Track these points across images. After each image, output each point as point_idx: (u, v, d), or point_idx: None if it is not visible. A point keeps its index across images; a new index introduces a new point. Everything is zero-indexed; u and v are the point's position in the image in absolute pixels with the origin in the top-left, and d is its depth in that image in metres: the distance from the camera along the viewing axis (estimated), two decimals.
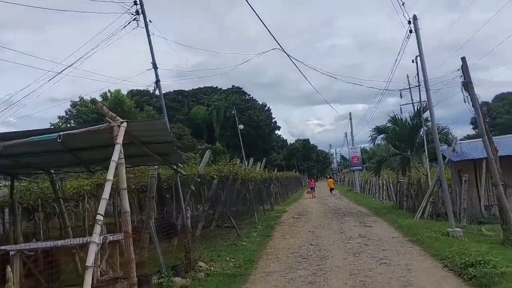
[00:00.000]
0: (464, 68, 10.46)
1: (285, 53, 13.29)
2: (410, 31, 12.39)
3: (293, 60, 14.60)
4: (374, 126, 19.95)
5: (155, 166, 11.20)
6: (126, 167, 6.31)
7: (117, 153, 5.62)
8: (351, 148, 41.81)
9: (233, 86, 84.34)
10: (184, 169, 15.11)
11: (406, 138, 18.28)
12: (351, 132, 42.89)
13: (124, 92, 51.53)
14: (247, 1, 10.23)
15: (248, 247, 12.62)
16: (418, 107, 18.27)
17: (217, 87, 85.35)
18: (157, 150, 9.14)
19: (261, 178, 22.62)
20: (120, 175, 5.87)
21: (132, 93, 74.15)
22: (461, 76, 10.62)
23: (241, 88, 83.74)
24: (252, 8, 10.50)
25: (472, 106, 10.45)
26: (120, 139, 5.76)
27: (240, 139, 21.82)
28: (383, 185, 27.94)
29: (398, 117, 18.79)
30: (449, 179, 17.63)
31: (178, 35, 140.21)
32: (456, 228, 11.96)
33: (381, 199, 28.13)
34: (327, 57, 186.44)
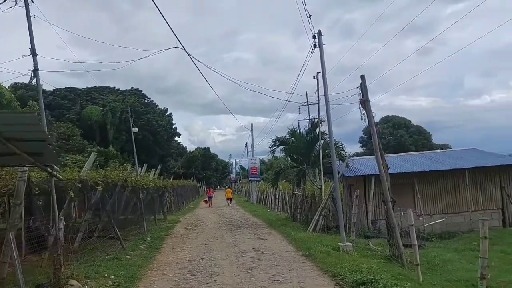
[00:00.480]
0: (363, 86, 10.65)
1: (186, 52, 12.42)
2: (314, 46, 12.43)
3: (195, 61, 13.77)
4: (275, 137, 19.98)
5: (25, 168, 9.47)
6: None
7: None
8: (251, 159, 42.06)
9: (132, 88, 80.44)
10: (63, 172, 13.29)
11: (303, 151, 18.52)
12: (252, 143, 43.33)
13: (6, 84, 45.80)
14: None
15: (132, 261, 11.37)
16: (313, 120, 18.68)
17: (114, 87, 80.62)
18: (26, 148, 7.66)
19: (155, 186, 21.23)
20: None
21: (16, 87, 66.63)
22: (359, 93, 10.79)
23: (141, 90, 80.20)
24: (155, 5, 9.45)
25: (368, 123, 10.65)
26: None
27: (133, 142, 20.15)
28: (278, 197, 28.27)
29: (296, 130, 19.04)
30: (341, 193, 18.26)
31: (74, 31, 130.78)
32: (347, 243, 12.11)
33: (277, 210, 28.43)
34: (232, 69, 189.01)
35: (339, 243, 12.17)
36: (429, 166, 18.08)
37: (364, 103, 10.62)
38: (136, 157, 18.97)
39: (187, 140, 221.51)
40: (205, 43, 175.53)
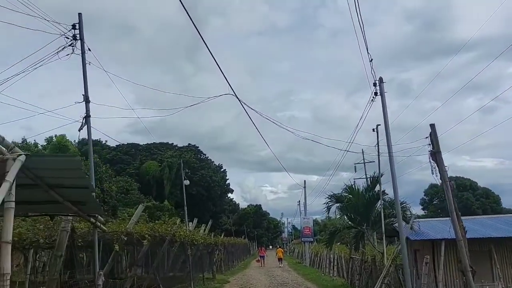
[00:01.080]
0: (433, 135, 9.55)
1: (239, 100, 12.04)
2: (375, 94, 11.60)
3: (250, 111, 13.32)
4: (331, 193, 18.68)
5: (69, 218, 9.11)
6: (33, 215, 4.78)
7: (3, 193, 4.32)
8: (303, 218, 40.30)
9: (189, 144, 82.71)
10: (112, 225, 12.94)
11: (362, 210, 17.09)
12: (304, 201, 41.68)
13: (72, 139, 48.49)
14: (210, 53, 8.99)
15: None
16: (372, 177, 17.28)
17: (172, 143, 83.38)
18: (69, 196, 7.35)
19: (204, 242, 20.44)
20: (5, 222, 4.52)
21: (83, 142, 70.97)
22: (429, 144, 9.67)
23: (197, 147, 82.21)
24: (214, 60, 9.19)
25: (440, 178, 9.39)
26: (11, 176, 4.52)
27: (184, 195, 19.72)
28: (334, 260, 26.28)
29: (354, 187, 17.71)
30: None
31: (136, 93, 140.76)
32: None
33: (331, 275, 26.33)
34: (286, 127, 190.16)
35: None
36: (509, 232, 15.85)
37: (435, 155, 9.45)
38: (186, 210, 18.34)
39: (240, 197, 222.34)
40: (260, 101, 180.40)
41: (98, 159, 49.13)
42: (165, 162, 74.69)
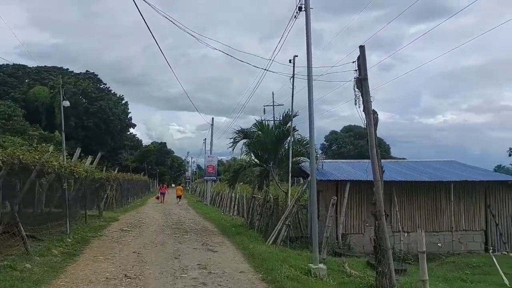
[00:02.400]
0: (362, 59, 8.02)
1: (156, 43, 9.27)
2: (300, 9, 9.67)
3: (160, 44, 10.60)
4: (239, 128, 16.95)
5: None
6: None
7: None
8: (208, 156, 38.73)
9: (87, 71, 74.96)
10: None
11: (270, 147, 15.80)
12: (211, 139, 39.95)
13: None
14: None
15: (29, 273, 8.20)
16: (285, 113, 15.92)
17: (67, 69, 74.87)
18: None
19: (89, 176, 17.71)
20: None
21: None
22: (355, 70, 8.15)
23: (97, 75, 74.87)
24: None
25: (364, 110, 8.01)
26: None
27: (62, 117, 16.50)
28: (235, 199, 25.38)
29: (264, 123, 16.23)
30: (305, 200, 15.65)
31: (35, 11, 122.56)
32: (320, 265, 9.42)
33: (232, 214, 25.52)
34: (198, 65, 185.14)
35: (310, 265, 9.46)
36: (411, 176, 15.87)
37: (361, 82, 7.98)
38: (64, 136, 15.21)
39: (145, 135, 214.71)
40: (173, 34, 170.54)
41: None
42: (57, 88, 66.92)
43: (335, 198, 11.03)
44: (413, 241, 14.75)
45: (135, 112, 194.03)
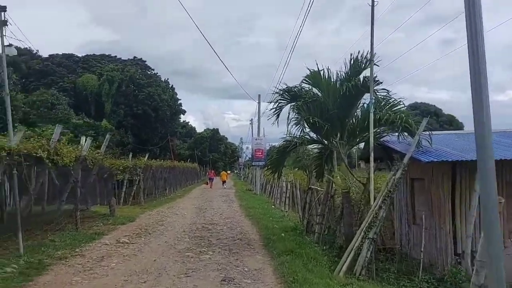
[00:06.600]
0: None
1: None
2: None
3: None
4: (285, 86, 11.01)
5: None
6: None
7: None
8: (255, 139, 33.32)
9: (134, 57, 72.33)
10: None
11: (334, 112, 9.97)
12: (258, 120, 34.48)
13: None
14: None
15: None
16: (355, 57, 9.80)
17: (115, 56, 72.71)
18: None
19: (74, 161, 12.75)
20: None
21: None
22: None
23: (145, 61, 72.04)
24: None
25: None
26: None
27: (5, 71, 11.58)
28: (286, 190, 19.76)
29: (323, 74, 10.28)
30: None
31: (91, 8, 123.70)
32: None
33: (283, 208, 19.99)
34: (250, 53, 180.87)
35: None
36: None
37: None
38: (10, 113, 10.19)
39: (202, 124, 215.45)
40: (222, 26, 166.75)
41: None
42: (105, 75, 64.64)
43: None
44: None
45: (191, 103, 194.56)
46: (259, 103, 34.03)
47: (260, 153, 31.37)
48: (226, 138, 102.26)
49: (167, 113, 69.96)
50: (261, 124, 34.53)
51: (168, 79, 73.64)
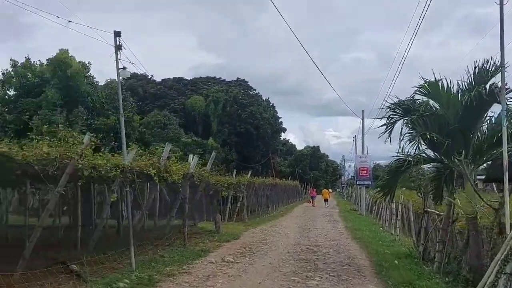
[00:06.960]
0: None
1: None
2: None
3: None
4: (397, 100, 10.05)
5: None
6: None
7: None
8: (360, 157, 31.92)
9: (237, 78, 75.35)
10: None
11: (454, 127, 8.85)
12: (362, 136, 33.01)
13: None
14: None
15: None
16: (481, 64, 8.60)
17: (220, 78, 76.51)
18: None
19: (198, 180, 13.25)
20: None
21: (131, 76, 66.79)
22: None
23: (247, 81, 74.65)
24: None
25: None
26: None
27: (120, 91, 12.17)
28: (397, 212, 18.32)
29: (441, 84, 9.23)
30: None
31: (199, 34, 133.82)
32: None
33: (393, 232, 18.55)
34: (350, 69, 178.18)
35: None
36: None
37: None
38: (122, 123, 10.81)
39: (303, 142, 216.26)
40: (323, 42, 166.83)
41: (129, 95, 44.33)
42: (211, 97, 68.34)
43: None
44: None
45: (292, 121, 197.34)
46: (362, 119, 32.73)
47: (365, 172, 29.90)
48: (327, 156, 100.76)
49: (268, 131, 71.32)
50: (365, 141, 33.15)
51: (269, 98, 75.16)
